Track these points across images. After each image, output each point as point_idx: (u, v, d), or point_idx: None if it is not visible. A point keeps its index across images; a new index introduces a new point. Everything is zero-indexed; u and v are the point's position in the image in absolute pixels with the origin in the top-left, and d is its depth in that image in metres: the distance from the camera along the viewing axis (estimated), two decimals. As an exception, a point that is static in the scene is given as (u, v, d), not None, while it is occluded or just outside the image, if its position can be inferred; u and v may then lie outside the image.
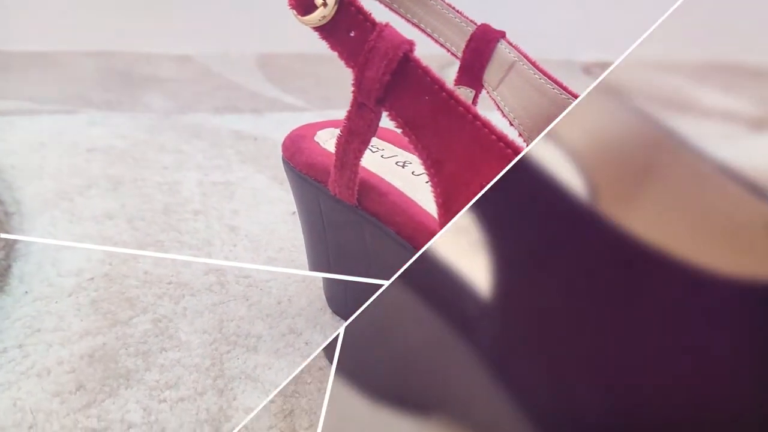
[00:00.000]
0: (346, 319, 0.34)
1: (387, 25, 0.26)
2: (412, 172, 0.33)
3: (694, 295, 0.19)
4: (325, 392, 0.32)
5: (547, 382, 0.21)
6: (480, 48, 0.32)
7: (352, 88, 0.26)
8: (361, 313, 0.31)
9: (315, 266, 0.36)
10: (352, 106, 0.27)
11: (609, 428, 0.21)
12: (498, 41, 0.31)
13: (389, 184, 0.31)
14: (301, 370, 0.33)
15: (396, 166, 0.33)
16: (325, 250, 0.34)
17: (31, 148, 0.57)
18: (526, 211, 0.22)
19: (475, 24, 0.32)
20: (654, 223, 0.26)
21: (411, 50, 0.25)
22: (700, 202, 0.24)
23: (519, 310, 0.22)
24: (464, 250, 0.28)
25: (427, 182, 0.31)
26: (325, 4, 0.25)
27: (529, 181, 0.22)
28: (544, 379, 0.22)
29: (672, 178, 0.25)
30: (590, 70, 1.02)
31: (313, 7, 0.25)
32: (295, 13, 0.26)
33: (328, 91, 0.80)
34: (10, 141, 0.58)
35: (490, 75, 0.32)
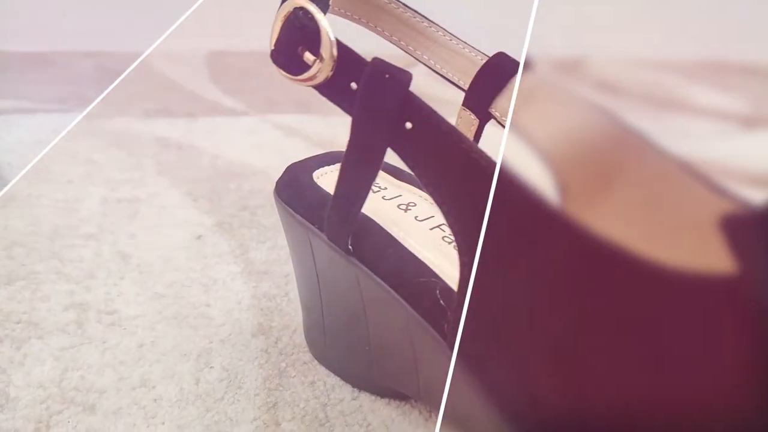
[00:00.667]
0: (326, 367, 0.34)
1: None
2: (416, 217, 0.31)
3: (651, 291, 0.20)
4: (308, 385, 0.33)
5: (512, 371, 0.22)
6: (494, 76, 0.30)
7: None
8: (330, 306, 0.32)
9: (308, 311, 0.34)
10: (352, 144, 0.25)
11: (571, 416, 0.21)
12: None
13: (388, 233, 0.29)
14: (286, 365, 0.34)
15: (398, 211, 0.31)
16: (317, 296, 0.32)
17: None
18: (494, 209, 0.22)
19: (486, 54, 0.31)
20: (620, 221, 0.27)
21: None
22: (664, 201, 0.25)
23: (486, 302, 0.23)
24: (437, 246, 0.29)
25: (431, 229, 0.30)
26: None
27: (499, 180, 0.22)
28: (509, 368, 0.22)
29: (638, 178, 0.26)
30: (563, 67, 1.00)
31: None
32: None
33: (271, 94, 0.77)
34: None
35: (503, 102, 0.30)
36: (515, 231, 0.22)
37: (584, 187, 0.28)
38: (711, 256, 0.19)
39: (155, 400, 0.31)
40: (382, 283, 0.27)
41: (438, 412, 0.31)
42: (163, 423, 0.30)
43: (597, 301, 0.20)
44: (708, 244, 0.20)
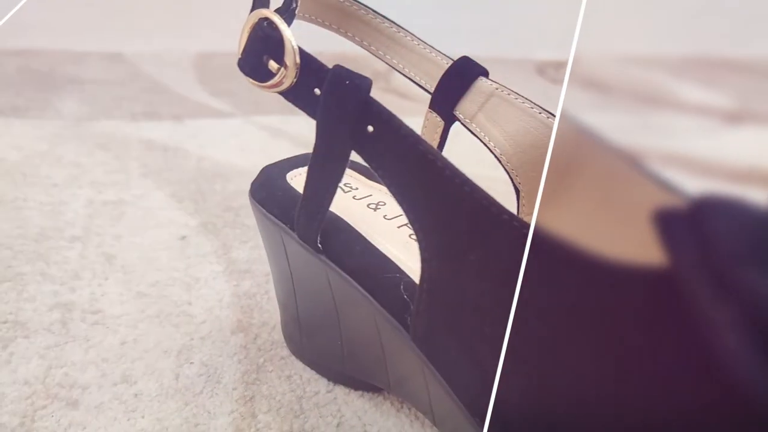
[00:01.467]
0: (303, 362, 0.35)
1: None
2: (384, 216, 0.32)
3: (597, 284, 0.21)
4: (284, 379, 0.34)
5: (465, 357, 0.23)
6: (457, 79, 0.31)
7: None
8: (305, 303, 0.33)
9: (285, 308, 0.35)
10: (317, 147, 0.27)
11: (519, 401, 0.23)
12: (478, 77, 0.31)
13: (356, 231, 0.30)
14: (264, 360, 0.35)
15: (367, 210, 0.32)
16: (292, 293, 0.33)
17: None
18: (450, 209, 0.24)
19: (450, 58, 0.32)
20: (575, 218, 0.28)
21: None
22: (615, 197, 0.26)
23: (442, 295, 0.24)
24: (404, 243, 0.30)
25: (399, 227, 0.31)
26: None
27: (453, 182, 0.23)
28: (462, 355, 0.24)
29: (591, 176, 0.27)
30: (544, 70, 0.98)
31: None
32: None
33: (258, 95, 0.78)
34: None
35: (466, 105, 0.31)
36: (467, 230, 0.23)
37: (538, 185, 0.29)
38: (646, 247, 0.20)
39: (136, 395, 0.32)
40: (350, 279, 0.28)
41: (408, 403, 0.32)
42: (143, 417, 0.31)
43: (541, 295, 0.22)
44: (645, 236, 0.21)
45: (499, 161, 0.29)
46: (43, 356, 0.34)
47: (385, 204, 0.33)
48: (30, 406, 0.31)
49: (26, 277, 0.41)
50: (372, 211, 0.32)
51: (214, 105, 0.76)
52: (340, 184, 0.34)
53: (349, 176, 0.35)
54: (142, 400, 0.32)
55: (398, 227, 0.31)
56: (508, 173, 0.29)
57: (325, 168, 0.27)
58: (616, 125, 0.27)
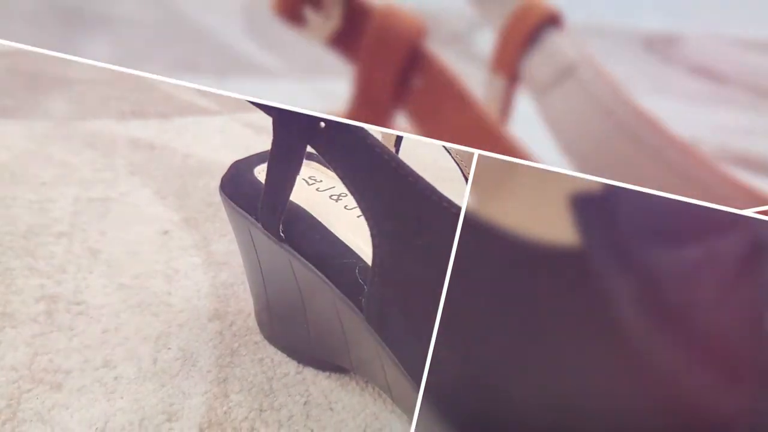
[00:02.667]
0: (275, 346, 0.37)
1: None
2: (345, 206, 0.34)
3: (529, 265, 0.23)
4: (257, 362, 0.36)
5: (413, 336, 0.25)
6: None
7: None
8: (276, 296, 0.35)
9: (257, 296, 0.37)
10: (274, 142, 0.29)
11: (463, 379, 0.25)
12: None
13: (316, 220, 0.32)
14: (238, 345, 0.37)
15: (330, 201, 0.34)
16: (261, 282, 0.35)
17: None
18: (396, 198, 0.26)
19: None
20: (519, 204, 0.30)
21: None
22: (553, 185, 0.28)
23: (391, 277, 0.26)
24: (363, 231, 0.32)
25: (358, 216, 0.32)
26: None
27: (398, 173, 0.25)
28: (410, 334, 0.26)
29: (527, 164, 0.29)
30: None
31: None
32: None
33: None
34: None
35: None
36: (411, 217, 0.25)
37: (489, 175, 0.31)
38: (561, 230, 0.22)
39: (116, 378, 0.34)
40: (311, 265, 0.30)
41: (372, 384, 0.34)
42: (122, 398, 0.33)
43: (478, 275, 0.24)
44: (562, 219, 0.23)
45: (448, 152, 0.31)
46: (30, 344, 0.36)
47: (346, 195, 0.34)
48: (16, 390, 0.33)
49: (15, 272, 0.43)
50: (334, 201, 0.34)
51: (201, 103, 0.78)
52: (305, 177, 0.36)
53: (315, 169, 0.37)
54: (121, 382, 0.34)
55: (358, 216, 0.33)
56: (457, 164, 0.31)
57: (283, 162, 0.29)
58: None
